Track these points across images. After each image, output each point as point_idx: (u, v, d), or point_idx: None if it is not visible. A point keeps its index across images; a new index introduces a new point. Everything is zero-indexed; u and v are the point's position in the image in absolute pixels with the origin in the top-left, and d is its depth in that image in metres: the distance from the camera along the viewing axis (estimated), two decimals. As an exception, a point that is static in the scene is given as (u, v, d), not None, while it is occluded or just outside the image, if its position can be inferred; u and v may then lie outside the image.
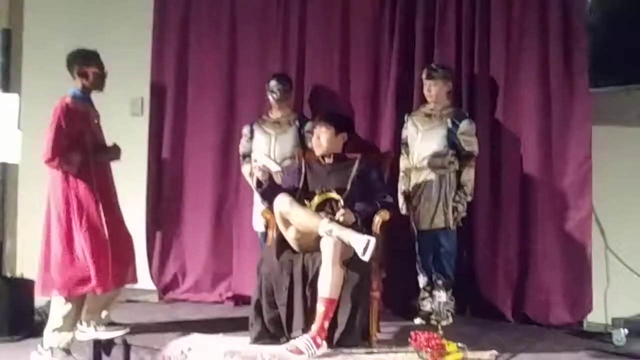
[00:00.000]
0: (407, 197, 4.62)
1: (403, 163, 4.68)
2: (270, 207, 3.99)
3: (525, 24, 4.65)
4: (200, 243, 5.32)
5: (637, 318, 4.15)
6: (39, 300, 4.15)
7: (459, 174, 4.52)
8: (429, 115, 4.60)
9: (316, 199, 4.01)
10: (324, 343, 3.59)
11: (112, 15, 5.73)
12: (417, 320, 4.49)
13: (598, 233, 4.57)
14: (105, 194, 3.80)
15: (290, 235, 3.90)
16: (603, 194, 4.49)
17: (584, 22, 4.34)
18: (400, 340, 3.83)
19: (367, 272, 3.76)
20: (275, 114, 4.92)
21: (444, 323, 4.26)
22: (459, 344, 3.56)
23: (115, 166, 3.96)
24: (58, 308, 3.71)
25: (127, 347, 3.70)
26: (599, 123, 4.47)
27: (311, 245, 3.81)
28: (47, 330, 3.74)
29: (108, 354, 3.69)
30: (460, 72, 4.76)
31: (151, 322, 4.50)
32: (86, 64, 3.83)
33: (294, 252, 3.90)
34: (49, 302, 3.85)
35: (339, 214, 3.86)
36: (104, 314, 3.83)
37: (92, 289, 3.66)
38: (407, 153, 4.66)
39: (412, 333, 3.55)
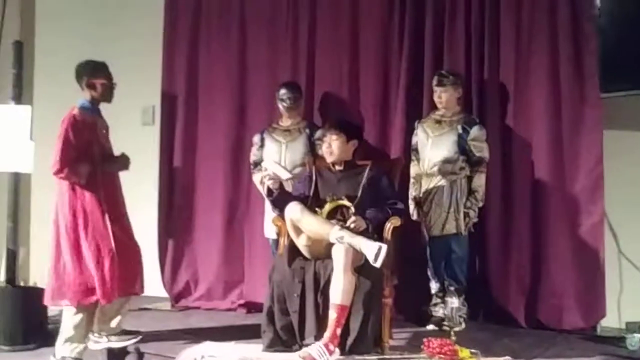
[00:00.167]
0: (418, 203, 4.62)
1: (413, 169, 4.68)
2: (281, 215, 4.00)
3: (535, 29, 4.64)
4: (212, 251, 5.33)
5: (651, 323, 4.14)
6: (52, 309, 4.16)
7: (470, 179, 4.51)
8: (439, 122, 4.59)
9: (327, 207, 4.02)
10: (337, 350, 3.59)
11: (123, 25, 5.77)
12: (430, 327, 4.49)
13: (611, 238, 4.56)
14: (113, 204, 3.78)
15: (301, 243, 3.90)
16: (616, 199, 4.48)
17: (594, 26, 4.33)
18: (413, 347, 3.83)
19: (378, 279, 3.75)
20: (285, 122, 4.94)
21: (456, 329, 4.23)
22: (472, 350, 3.56)
23: (127, 175, 3.93)
24: (69, 318, 3.71)
25: (140, 355, 3.73)
26: (610, 128, 4.46)
27: (322, 252, 3.81)
28: (59, 341, 3.73)
29: (121, 362, 3.70)
30: (470, 78, 4.76)
31: (164, 329, 4.51)
32: (94, 75, 3.81)
33: (305, 259, 3.90)
34: (62, 312, 3.86)
35: (350, 221, 3.87)
36: (115, 322, 3.83)
37: (97, 299, 3.67)
38: (418, 159, 4.65)
39: (424, 339, 3.56)
